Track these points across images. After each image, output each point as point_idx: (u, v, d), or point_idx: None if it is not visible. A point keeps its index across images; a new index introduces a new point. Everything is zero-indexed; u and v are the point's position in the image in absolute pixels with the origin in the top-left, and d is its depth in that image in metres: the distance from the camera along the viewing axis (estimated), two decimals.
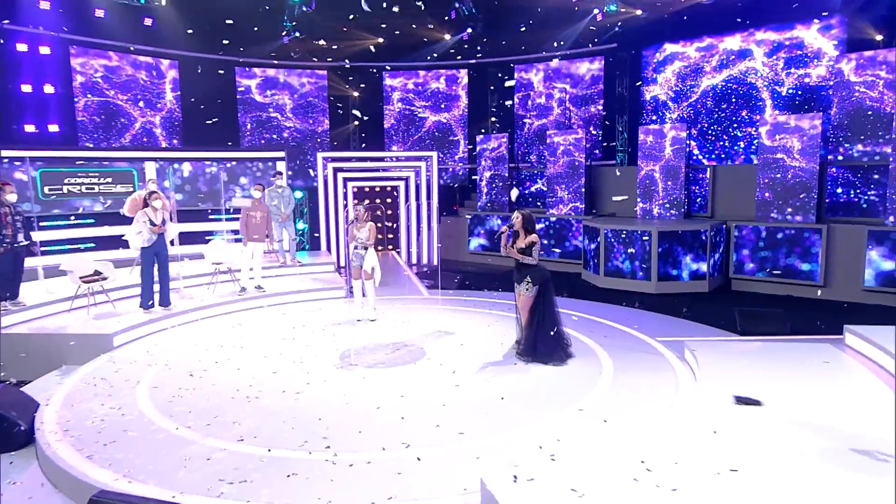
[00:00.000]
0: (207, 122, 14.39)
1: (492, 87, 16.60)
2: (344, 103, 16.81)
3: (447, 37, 15.16)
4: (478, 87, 16.73)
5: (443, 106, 16.77)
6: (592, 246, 11.67)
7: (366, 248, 8.22)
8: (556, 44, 14.65)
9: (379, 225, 11.30)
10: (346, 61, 15.84)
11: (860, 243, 9.53)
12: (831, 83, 11.09)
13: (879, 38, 10.63)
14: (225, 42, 14.02)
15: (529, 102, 15.97)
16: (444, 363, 6.71)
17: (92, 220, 11.74)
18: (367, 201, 12.86)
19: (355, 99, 16.84)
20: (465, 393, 5.85)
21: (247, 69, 15.86)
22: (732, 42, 12.72)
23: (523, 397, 5.70)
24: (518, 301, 6.86)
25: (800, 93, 11.85)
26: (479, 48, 15.41)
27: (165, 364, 6.84)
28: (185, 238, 11.35)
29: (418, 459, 4.52)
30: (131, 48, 13.90)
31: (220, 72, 15.11)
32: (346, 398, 5.74)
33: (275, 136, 16.16)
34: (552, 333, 6.60)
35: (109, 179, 12.04)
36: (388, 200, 14.80)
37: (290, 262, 11.41)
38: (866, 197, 10.34)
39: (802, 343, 6.57)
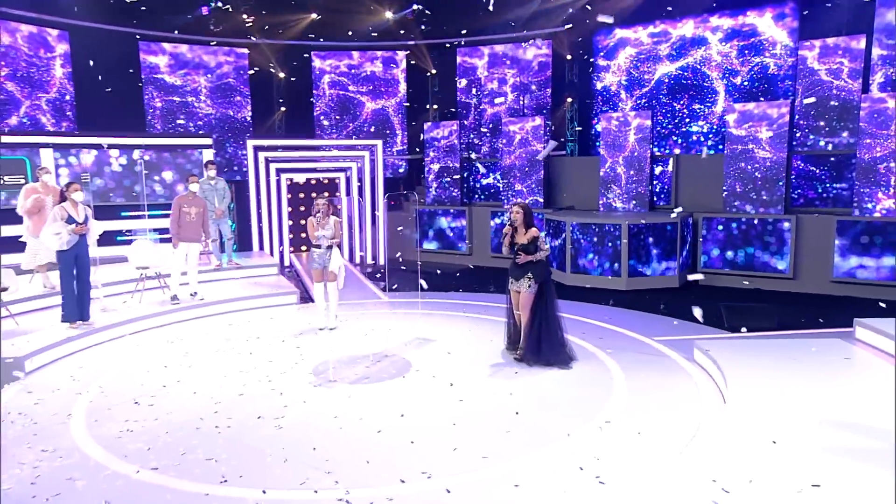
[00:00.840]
0: (107, 90, 12.71)
1: (433, 72, 16.21)
2: (268, 86, 15.81)
3: (389, 14, 14.56)
4: (417, 72, 16.26)
5: (382, 90, 16.18)
6: (557, 242, 11.54)
7: (330, 247, 7.62)
8: (510, 25, 14.40)
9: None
10: (274, 29, 14.72)
11: (828, 234, 9.94)
12: (790, 72, 11.54)
13: (832, 29, 11.13)
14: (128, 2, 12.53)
15: (475, 90, 15.69)
16: (436, 375, 6.28)
17: None
18: (334, 194, 12.06)
19: (281, 81, 15.89)
20: (472, 408, 5.46)
21: (154, 44, 14.55)
22: (686, 28, 13.00)
23: (539, 410, 5.39)
24: (515, 300, 6.57)
25: (756, 84, 12.28)
26: (423, 27, 14.93)
27: (100, 391, 5.97)
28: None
29: (448, 491, 4.09)
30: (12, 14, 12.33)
31: (120, 46, 13.69)
32: (337, 422, 5.19)
33: (191, 125, 14.94)
34: (558, 334, 6.36)
35: None
36: (326, 194, 14.06)
37: (227, 265, 10.50)
38: (833, 187, 10.82)
39: (811, 339, 6.66)
